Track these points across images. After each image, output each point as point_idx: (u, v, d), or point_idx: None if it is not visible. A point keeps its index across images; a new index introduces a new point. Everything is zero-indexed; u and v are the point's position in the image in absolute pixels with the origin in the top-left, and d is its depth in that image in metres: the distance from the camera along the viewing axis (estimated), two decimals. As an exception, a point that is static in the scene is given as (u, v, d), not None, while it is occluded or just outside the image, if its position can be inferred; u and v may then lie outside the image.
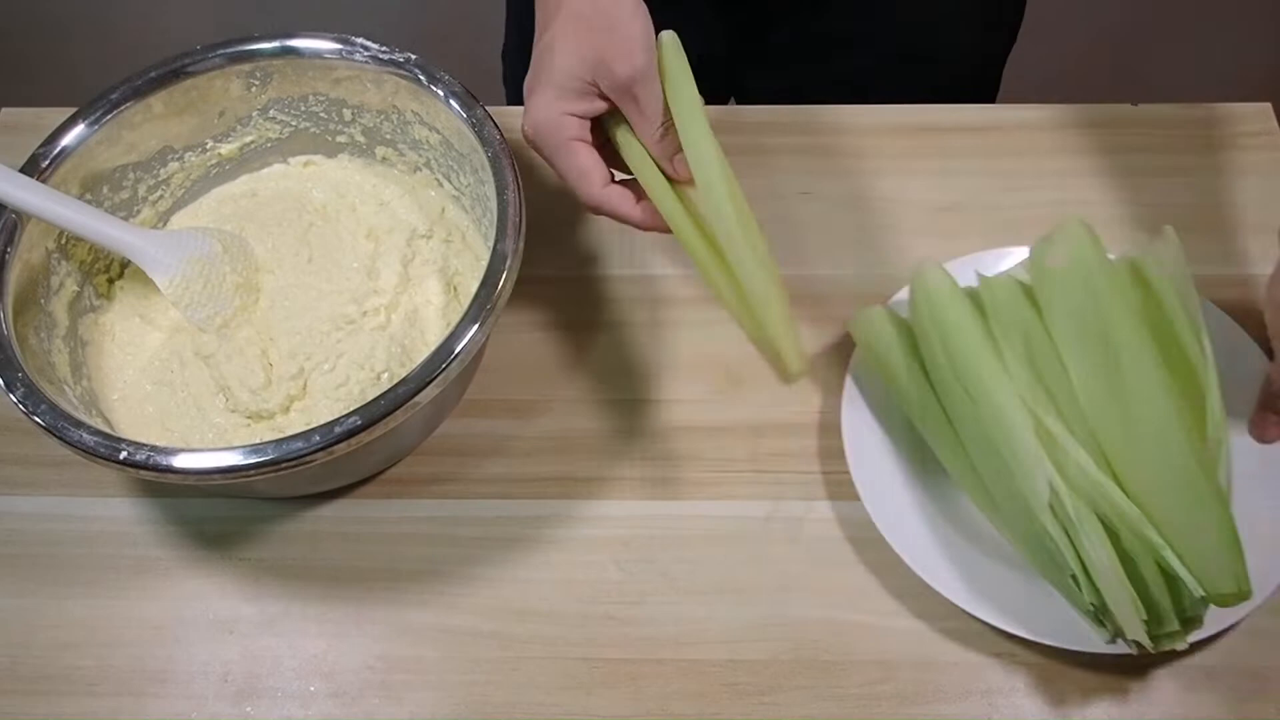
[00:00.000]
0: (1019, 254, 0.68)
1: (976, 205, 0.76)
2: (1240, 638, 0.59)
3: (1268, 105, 0.80)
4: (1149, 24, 1.56)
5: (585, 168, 0.56)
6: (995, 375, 0.58)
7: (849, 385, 0.65)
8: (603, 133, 0.58)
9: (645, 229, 0.58)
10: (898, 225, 0.75)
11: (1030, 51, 1.56)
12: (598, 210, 0.57)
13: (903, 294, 0.66)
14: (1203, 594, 0.52)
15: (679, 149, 0.55)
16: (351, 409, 0.54)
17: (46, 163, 0.64)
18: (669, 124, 0.55)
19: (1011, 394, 0.57)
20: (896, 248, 0.74)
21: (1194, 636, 0.54)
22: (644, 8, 0.56)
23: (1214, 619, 0.55)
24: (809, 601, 0.61)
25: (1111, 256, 0.62)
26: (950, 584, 0.59)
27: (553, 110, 0.55)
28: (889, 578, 0.62)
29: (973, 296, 0.61)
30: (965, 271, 0.64)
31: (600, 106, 0.56)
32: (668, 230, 0.56)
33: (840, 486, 0.65)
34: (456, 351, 0.56)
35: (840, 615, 0.61)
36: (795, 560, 0.63)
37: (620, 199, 0.57)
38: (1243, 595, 0.52)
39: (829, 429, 0.67)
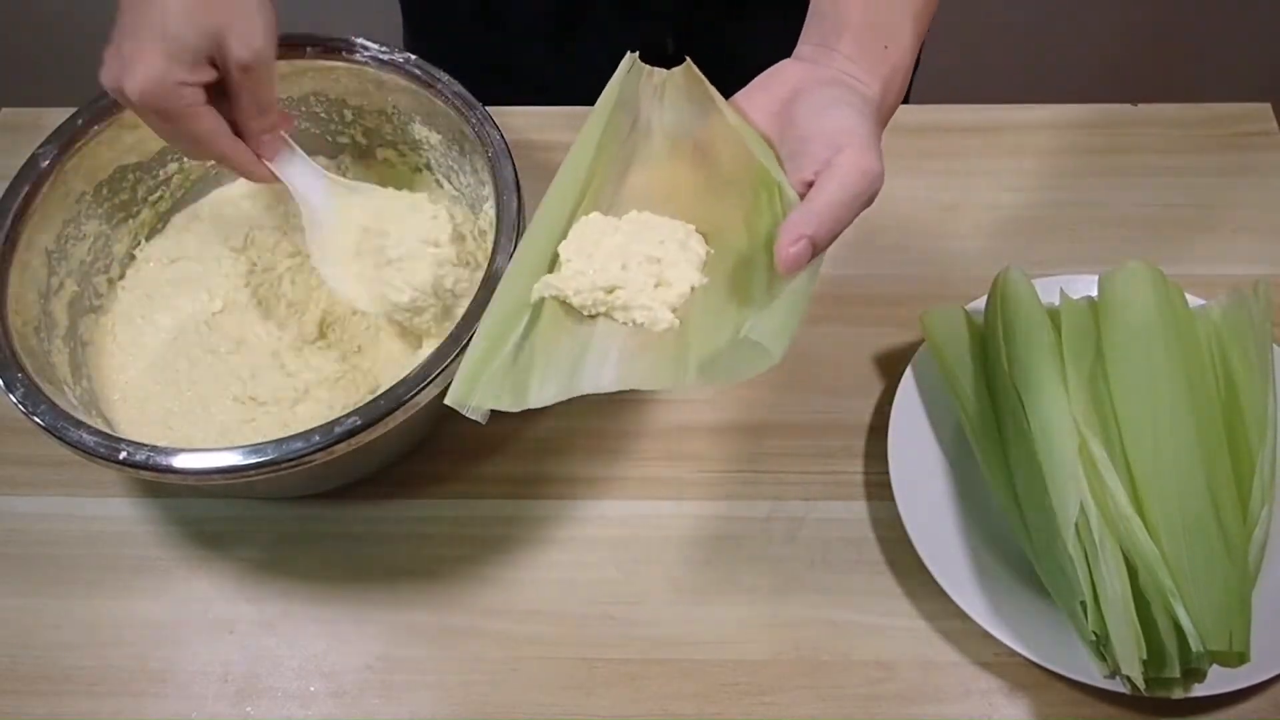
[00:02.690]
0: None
1: (976, 205, 0.76)
2: (1263, 702, 0.58)
3: (1267, 105, 0.80)
4: (1149, 24, 1.56)
5: (208, 130, 0.56)
6: (1054, 389, 0.59)
7: (905, 381, 0.65)
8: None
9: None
10: (897, 225, 0.75)
11: (1031, 51, 1.57)
12: (223, 161, 0.58)
13: (978, 302, 0.67)
14: (1201, 647, 0.52)
15: (269, 129, 0.57)
16: (351, 409, 0.54)
17: (46, 163, 0.64)
18: (272, 118, 0.57)
19: (1065, 410, 0.58)
20: (897, 247, 0.74)
21: (1201, 691, 0.54)
22: None
23: (1224, 680, 0.55)
24: (809, 601, 0.61)
25: (1201, 302, 0.64)
26: (966, 593, 0.59)
27: (167, 79, 0.53)
28: (889, 578, 0.62)
29: (1052, 315, 0.62)
30: (1051, 289, 0.65)
31: (211, 76, 0.55)
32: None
33: (840, 486, 0.65)
34: (456, 352, 0.56)
35: (840, 615, 0.61)
36: (795, 560, 0.63)
37: (247, 156, 0.58)
38: (1240, 656, 0.53)
39: (828, 429, 0.67)
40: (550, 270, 0.51)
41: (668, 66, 0.54)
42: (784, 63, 0.53)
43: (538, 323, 0.51)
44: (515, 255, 0.52)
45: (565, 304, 0.51)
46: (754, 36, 0.54)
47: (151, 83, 0.53)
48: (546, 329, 0.50)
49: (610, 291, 0.50)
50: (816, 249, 0.46)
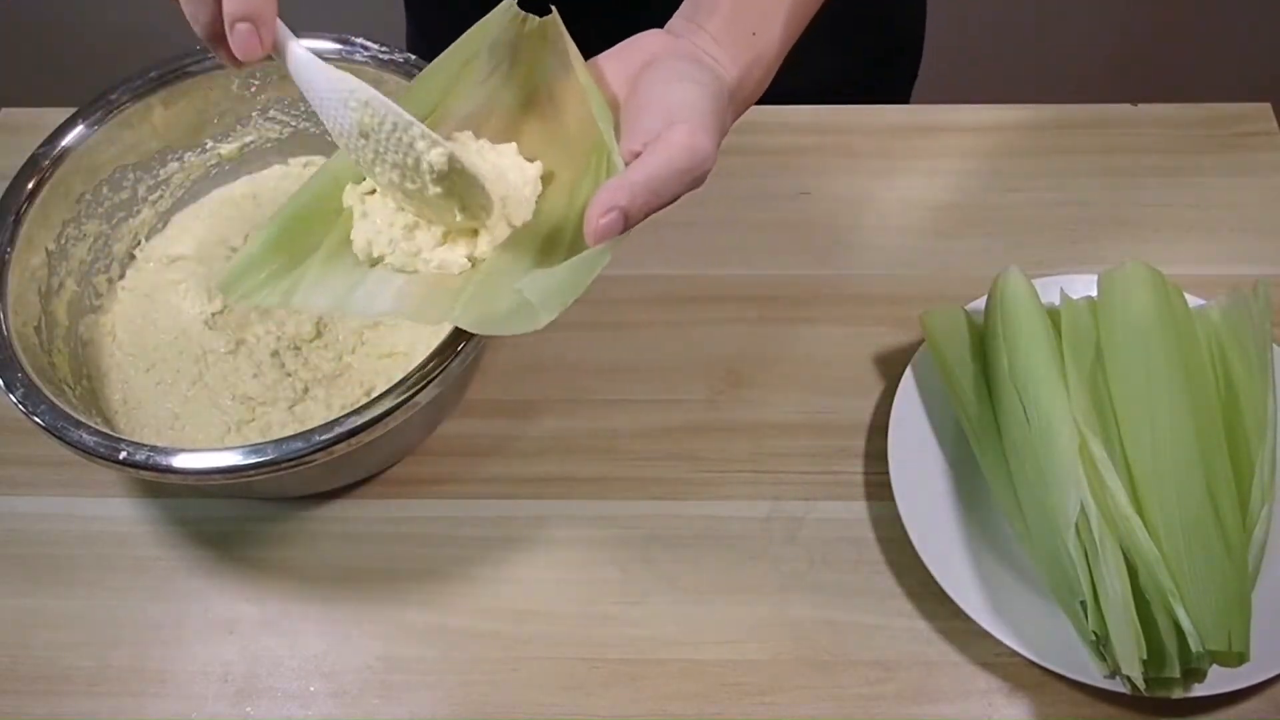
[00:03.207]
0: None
1: (976, 205, 0.76)
2: (1263, 702, 0.58)
3: (1268, 105, 0.80)
4: (1149, 24, 1.56)
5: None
6: (1054, 389, 0.59)
7: (905, 381, 0.65)
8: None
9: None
10: (897, 225, 0.75)
11: (1031, 51, 1.57)
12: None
13: (978, 303, 0.67)
14: (1201, 647, 0.52)
15: (241, 18, 0.46)
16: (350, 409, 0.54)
17: (46, 162, 0.64)
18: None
19: (1066, 410, 0.58)
20: (897, 247, 0.74)
21: (1200, 691, 0.54)
22: None
23: (1224, 680, 0.55)
24: (809, 601, 0.61)
25: (1201, 302, 0.64)
26: (966, 593, 0.58)
27: None
28: (889, 578, 0.62)
29: (1052, 315, 0.62)
30: (1051, 289, 0.65)
31: None
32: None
33: (840, 486, 0.65)
34: (455, 352, 0.56)
35: (840, 615, 0.61)
36: (795, 560, 0.63)
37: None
38: (1239, 656, 0.53)
39: (828, 429, 0.67)
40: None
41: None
42: (649, 31, 0.53)
43: (332, 231, 0.51)
44: (334, 155, 0.52)
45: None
46: None
47: None
48: (337, 239, 0.51)
49: (410, 230, 0.51)
50: (628, 222, 0.45)
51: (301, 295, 0.50)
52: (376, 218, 0.52)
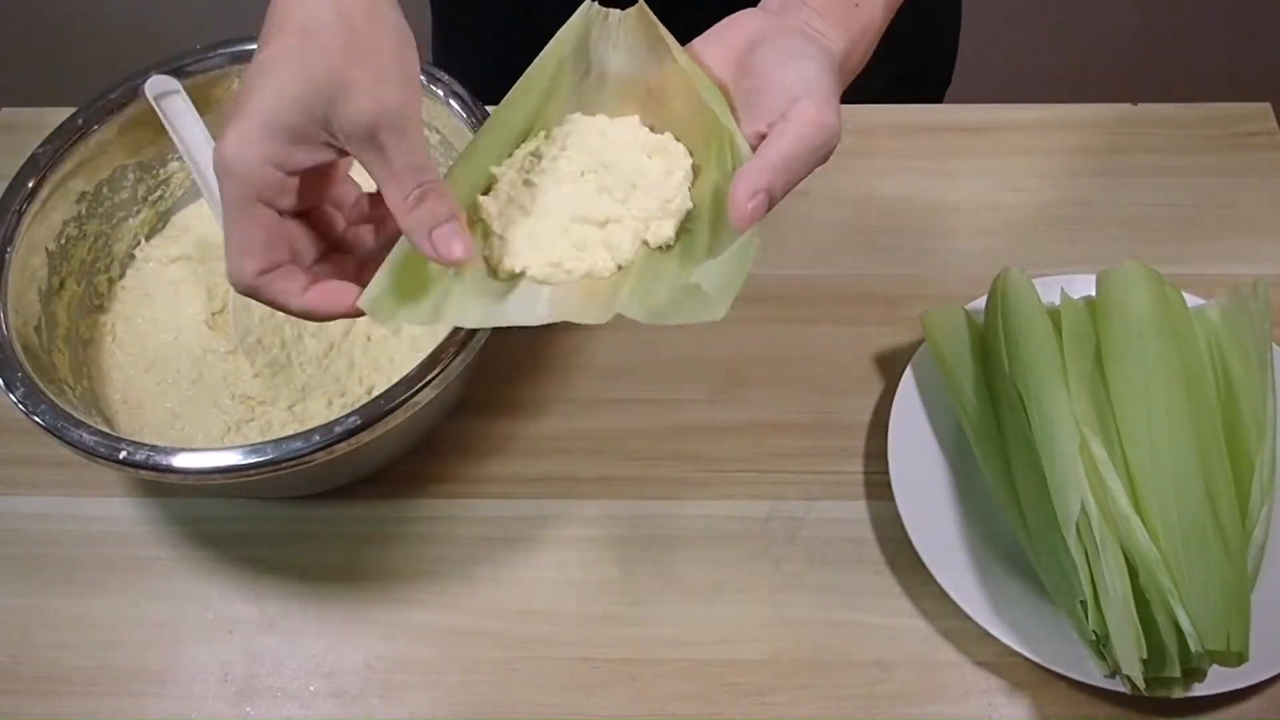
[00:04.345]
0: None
1: (976, 205, 0.76)
2: (1263, 702, 0.58)
3: (1267, 105, 0.80)
4: (1149, 24, 1.56)
5: (250, 243, 0.43)
6: (1055, 388, 0.58)
7: (905, 381, 0.65)
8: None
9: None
10: (897, 225, 0.75)
11: (1031, 51, 1.57)
12: (244, 292, 0.45)
13: (978, 303, 0.67)
14: (1200, 647, 0.52)
15: (443, 219, 0.44)
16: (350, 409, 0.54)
17: (46, 162, 0.64)
18: (429, 186, 0.43)
19: (1067, 410, 0.58)
20: (897, 248, 0.74)
21: (1200, 690, 0.54)
22: (407, 29, 0.45)
23: (1224, 679, 0.55)
24: (809, 601, 0.61)
25: (1202, 301, 0.64)
26: (966, 593, 0.58)
27: (251, 151, 0.41)
28: (889, 578, 0.62)
29: (1052, 315, 0.62)
30: (1052, 288, 0.65)
31: (322, 158, 0.43)
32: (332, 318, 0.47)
33: (840, 486, 0.65)
34: (456, 352, 0.56)
35: (840, 615, 0.61)
36: (795, 560, 0.63)
37: (283, 291, 0.45)
38: (1239, 656, 0.53)
39: (828, 429, 0.67)
40: (486, 193, 0.50)
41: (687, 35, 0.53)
42: (744, 12, 0.51)
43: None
44: (451, 171, 0.49)
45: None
46: None
47: (230, 154, 0.42)
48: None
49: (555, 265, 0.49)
50: (772, 203, 0.44)
51: (452, 310, 0.47)
52: (518, 237, 0.49)
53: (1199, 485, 0.56)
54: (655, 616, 0.61)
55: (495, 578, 0.63)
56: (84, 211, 0.67)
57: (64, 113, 0.66)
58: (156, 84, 0.66)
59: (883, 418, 0.66)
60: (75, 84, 0.78)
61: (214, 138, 0.67)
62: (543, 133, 0.52)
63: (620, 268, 0.49)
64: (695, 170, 0.51)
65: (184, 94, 0.67)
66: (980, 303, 0.66)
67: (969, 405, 0.63)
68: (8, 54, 1.60)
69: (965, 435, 0.63)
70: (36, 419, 0.55)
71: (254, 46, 0.67)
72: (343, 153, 0.44)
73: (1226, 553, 0.54)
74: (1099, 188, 0.77)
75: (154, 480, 0.60)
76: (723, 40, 0.50)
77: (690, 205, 0.50)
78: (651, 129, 0.52)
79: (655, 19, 0.51)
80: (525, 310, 0.48)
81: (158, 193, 0.71)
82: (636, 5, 0.51)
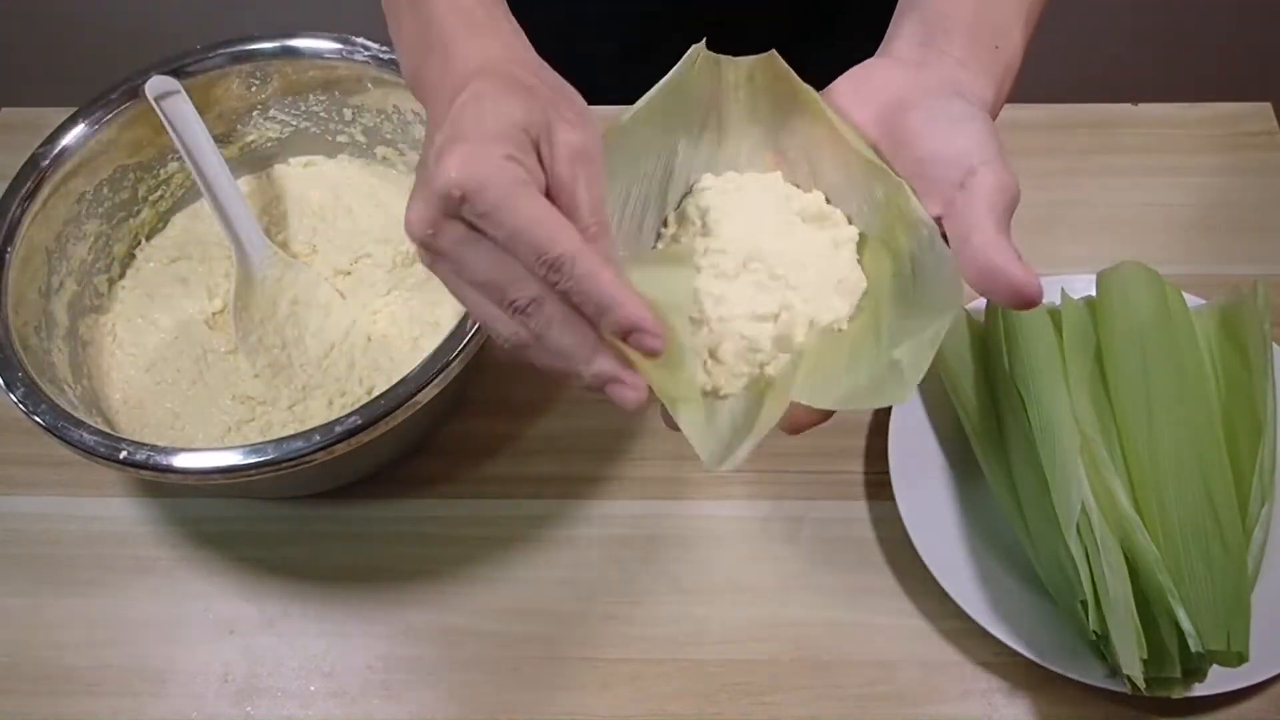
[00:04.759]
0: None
1: (976, 205, 0.76)
2: (1263, 702, 0.58)
3: (1268, 105, 0.80)
4: (1149, 24, 1.56)
5: (553, 216, 0.38)
6: (1055, 388, 0.59)
7: None
8: None
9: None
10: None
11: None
12: (580, 273, 0.38)
13: (978, 303, 0.67)
14: (1200, 647, 0.52)
15: (606, 262, 0.39)
16: (351, 409, 0.54)
17: (46, 162, 0.64)
18: (603, 223, 0.40)
19: (1067, 409, 0.58)
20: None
21: (1200, 690, 0.55)
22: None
23: (1224, 679, 0.55)
24: (809, 601, 0.61)
25: (1202, 301, 0.64)
26: (966, 593, 0.58)
27: (491, 154, 0.38)
28: (889, 578, 0.62)
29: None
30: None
31: (532, 165, 0.40)
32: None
33: (840, 486, 0.65)
34: (456, 352, 0.56)
35: (840, 615, 0.61)
36: (795, 560, 0.63)
37: (620, 287, 0.38)
38: (1239, 656, 0.53)
39: (828, 429, 0.67)
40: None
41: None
42: (879, 62, 0.46)
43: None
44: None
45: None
46: (838, 66, 0.47)
47: (471, 165, 0.38)
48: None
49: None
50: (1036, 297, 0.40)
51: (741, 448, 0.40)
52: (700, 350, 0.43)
53: (1199, 485, 0.56)
54: (655, 616, 0.61)
55: (495, 578, 0.63)
56: (84, 211, 0.67)
57: (64, 113, 0.66)
58: (156, 84, 0.66)
59: (883, 418, 0.66)
60: (75, 84, 0.78)
61: (214, 138, 0.67)
62: (669, 212, 0.46)
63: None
64: (861, 239, 0.45)
65: (184, 94, 0.67)
66: (980, 303, 0.66)
67: (969, 405, 0.63)
68: (8, 54, 1.60)
69: (965, 435, 0.63)
70: (36, 419, 0.55)
71: (253, 47, 0.68)
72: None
73: (1226, 553, 0.54)
74: (1099, 187, 0.77)
75: (154, 480, 0.60)
76: (864, 99, 0.45)
77: (865, 284, 0.44)
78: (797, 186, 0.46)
79: (790, 70, 0.45)
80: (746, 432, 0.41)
81: (158, 193, 0.71)
82: (769, 54, 0.45)
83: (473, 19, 0.44)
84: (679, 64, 0.45)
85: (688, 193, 0.47)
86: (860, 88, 0.45)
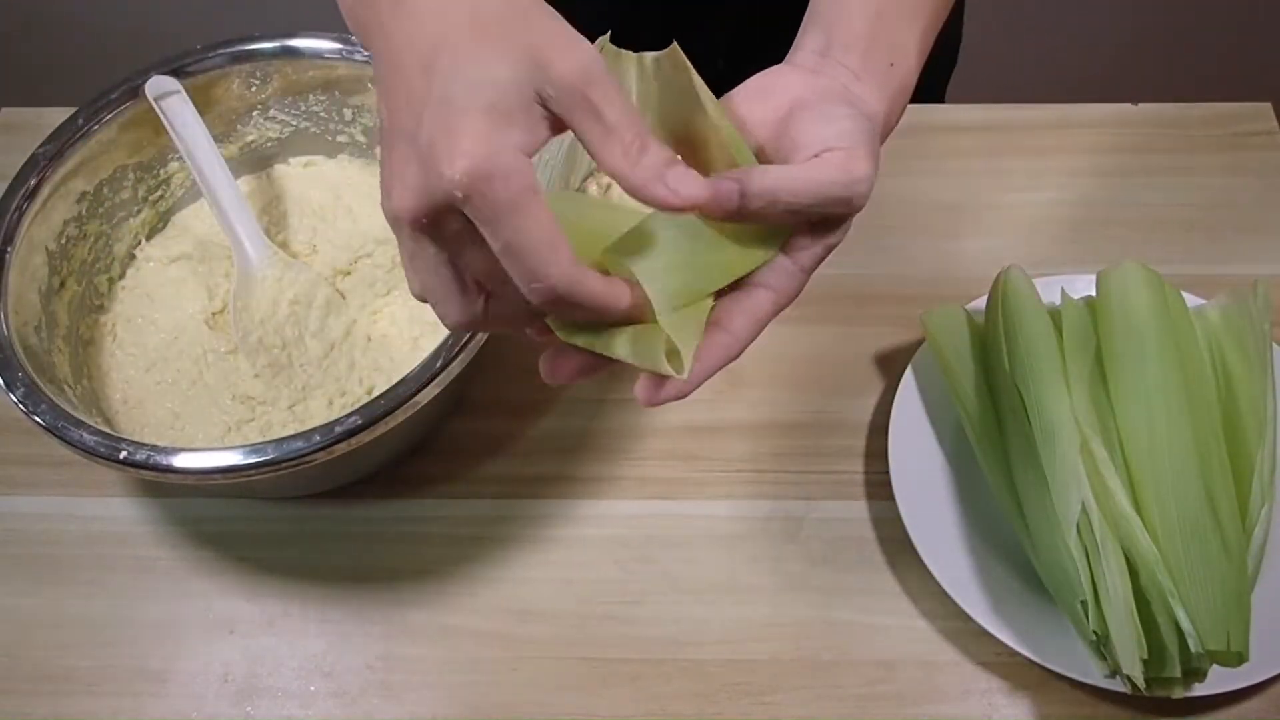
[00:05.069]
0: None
1: (977, 205, 0.76)
2: (1263, 702, 0.58)
3: (1268, 105, 0.80)
4: (1149, 24, 1.56)
5: (554, 235, 0.37)
6: (1056, 388, 0.59)
7: (905, 381, 0.65)
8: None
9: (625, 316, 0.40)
10: (898, 225, 0.75)
11: (1032, 51, 1.57)
12: (568, 296, 0.38)
13: (979, 302, 0.67)
14: (1200, 647, 0.52)
15: (670, 162, 0.39)
16: (351, 409, 0.54)
17: (46, 162, 0.64)
18: (642, 135, 0.39)
19: (1067, 409, 0.58)
20: (897, 247, 0.74)
21: (1200, 690, 0.55)
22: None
23: (1224, 679, 0.55)
24: (809, 601, 0.61)
25: (1202, 301, 0.64)
26: (966, 593, 0.59)
27: (499, 146, 0.36)
28: (889, 578, 0.62)
29: (1053, 315, 0.62)
30: (1052, 288, 0.65)
31: (544, 136, 0.39)
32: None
33: (840, 486, 0.65)
34: (456, 352, 0.56)
35: (840, 615, 0.61)
36: (795, 560, 0.63)
37: (603, 282, 0.39)
38: (1238, 656, 0.53)
39: (829, 429, 0.67)
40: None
41: (717, 86, 0.47)
42: (783, 69, 0.49)
43: None
44: None
45: None
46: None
47: (479, 158, 0.36)
48: None
49: None
50: (743, 204, 0.40)
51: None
52: None
53: (1199, 485, 0.56)
54: (655, 616, 0.61)
55: (495, 578, 0.63)
56: (84, 211, 0.67)
57: (64, 113, 0.66)
58: (157, 84, 0.66)
59: (883, 418, 0.66)
60: (75, 84, 0.78)
61: (214, 138, 0.67)
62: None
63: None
64: None
65: (184, 94, 0.67)
66: (980, 303, 0.66)
67: (969, 405, 0.63)
68: (8, 54, 1.60)
69: (965, 435, 0.63)
70: (36, 419, 0.55)
71: (253, 47, 0.68)
72: (556, 125, 0.39)
73: (1226, 553, 0.54)
74: (1099, 188, 0.77)
75: (154, 480, 0.60)
76: (766, 99, 0.47)
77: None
78: None
79: (689, 65, 0.46)
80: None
81: (158, 193, 0.71)
82: (670, 48, 0.45)
83: None
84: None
85: (590, 174, 0.49)
86: (769, 89, 0.47)
